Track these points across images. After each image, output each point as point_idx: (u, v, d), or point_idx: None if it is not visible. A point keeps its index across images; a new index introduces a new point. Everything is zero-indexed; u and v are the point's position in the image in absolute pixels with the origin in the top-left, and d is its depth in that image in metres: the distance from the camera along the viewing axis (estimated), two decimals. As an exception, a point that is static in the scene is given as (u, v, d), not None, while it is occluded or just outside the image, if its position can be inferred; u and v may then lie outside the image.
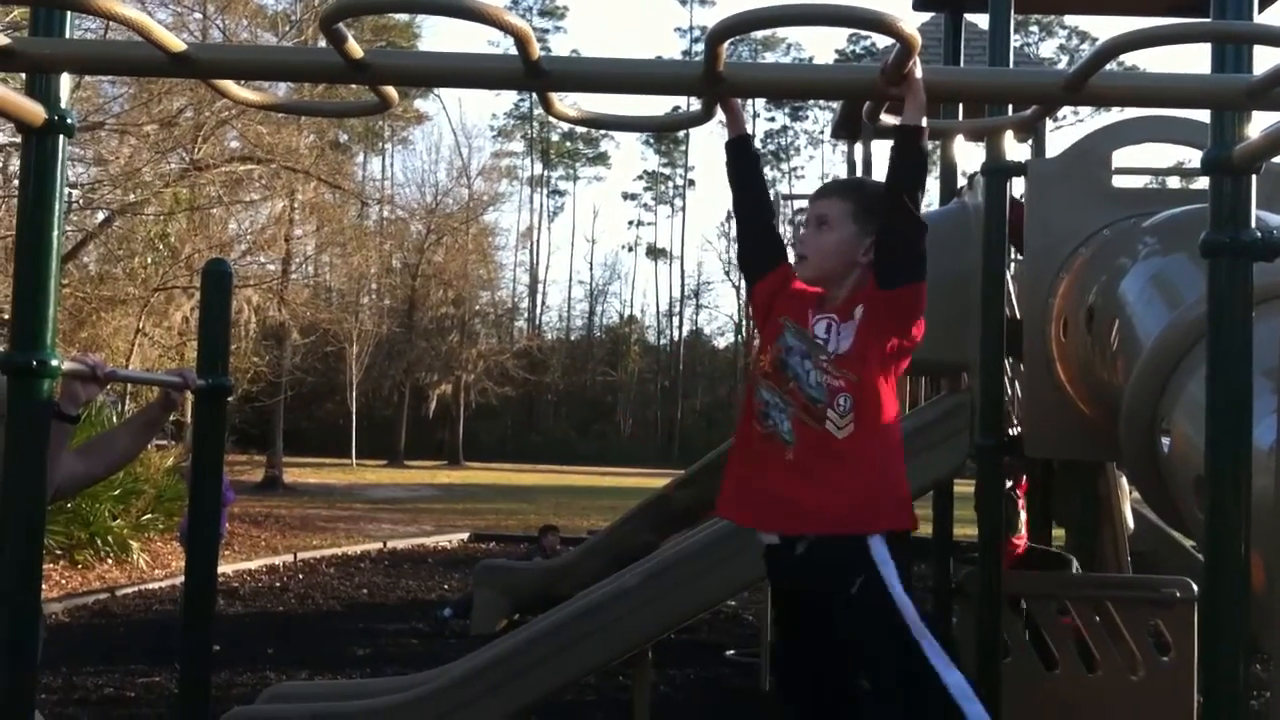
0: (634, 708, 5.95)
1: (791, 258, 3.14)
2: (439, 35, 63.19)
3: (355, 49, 2.17)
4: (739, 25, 2.15)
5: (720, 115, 2.81)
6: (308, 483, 31.22)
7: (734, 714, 8.14)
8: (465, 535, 19.01)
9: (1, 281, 17.36)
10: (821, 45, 63.94)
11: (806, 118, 65.81)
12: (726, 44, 2.21)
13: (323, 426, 46.62)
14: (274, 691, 5.86)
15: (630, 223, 69.66)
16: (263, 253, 25.78)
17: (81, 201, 19.12)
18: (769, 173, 66.08)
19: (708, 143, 67.64)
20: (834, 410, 2.82)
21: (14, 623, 2.56)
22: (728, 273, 62.28)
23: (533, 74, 2.25)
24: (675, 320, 66.48)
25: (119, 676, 8.41)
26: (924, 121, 2.64)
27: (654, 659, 6.42)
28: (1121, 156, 5.03)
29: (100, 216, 20.03)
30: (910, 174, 2.77)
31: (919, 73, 2.33)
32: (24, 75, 2.58)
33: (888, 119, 2.66)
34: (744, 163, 3.09)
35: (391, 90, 2.50)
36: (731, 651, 9.44)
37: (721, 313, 67.39)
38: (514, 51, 2.25)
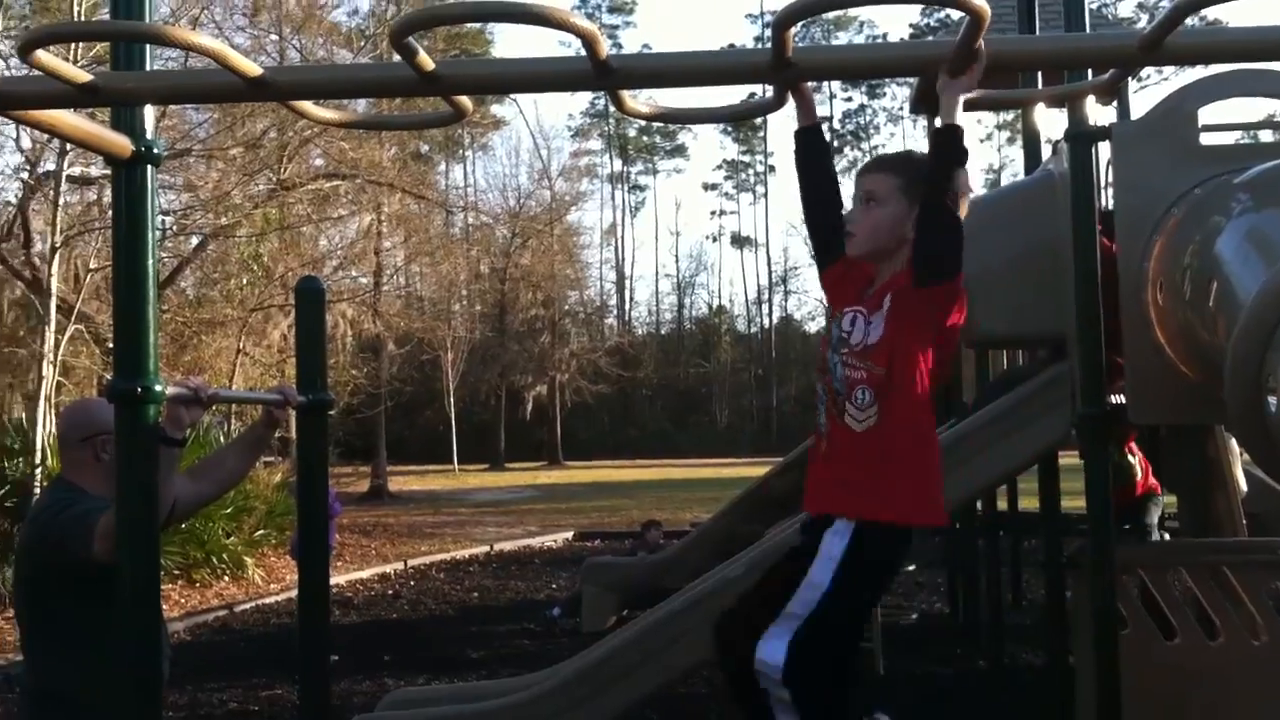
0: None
1: None
2: (512, 40, 63.66)
3: (426, 61, 2.19)
4: (805, 9, 2.13)
5: (793, 101, 2.78)
6: (412, 490, 31.64)
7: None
8: (570, 534, 19.12)
9: (104, 310, 17.85)
10: (896, 22, 63.22)
11: (884, 95, 65.16)
12: (796, 28, 2.20)
13: (424, 434, 47.18)
14: (393, 698, 5.95)
15: (713, 213, 69.53)
16: (354, 267, 26.18)
17: (175, 228, 19.57)
18: (850, 153, 65.60)
19: (786, 127, 67.09)
20: (852, 404, 2.81)
21: (137, 642, 2.63)
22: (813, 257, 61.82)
23: (601, 73, 2.26)
24: (765, 307, 66.24)
25: (242, 691, 8.58)
26: (959, 118, 2.60)
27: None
28: (1209, 113, 4.91)
29: (194, 241, 20.49)
30: (949, 175, 2.72)
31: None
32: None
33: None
34: (813, 152, 3.06)
35: (465, 99, 2.52)
36: (843, 636, 9.37)
37: (811, 297, 66.76)
38: (584, 52, 2.26)
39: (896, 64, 2.55)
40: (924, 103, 10.69)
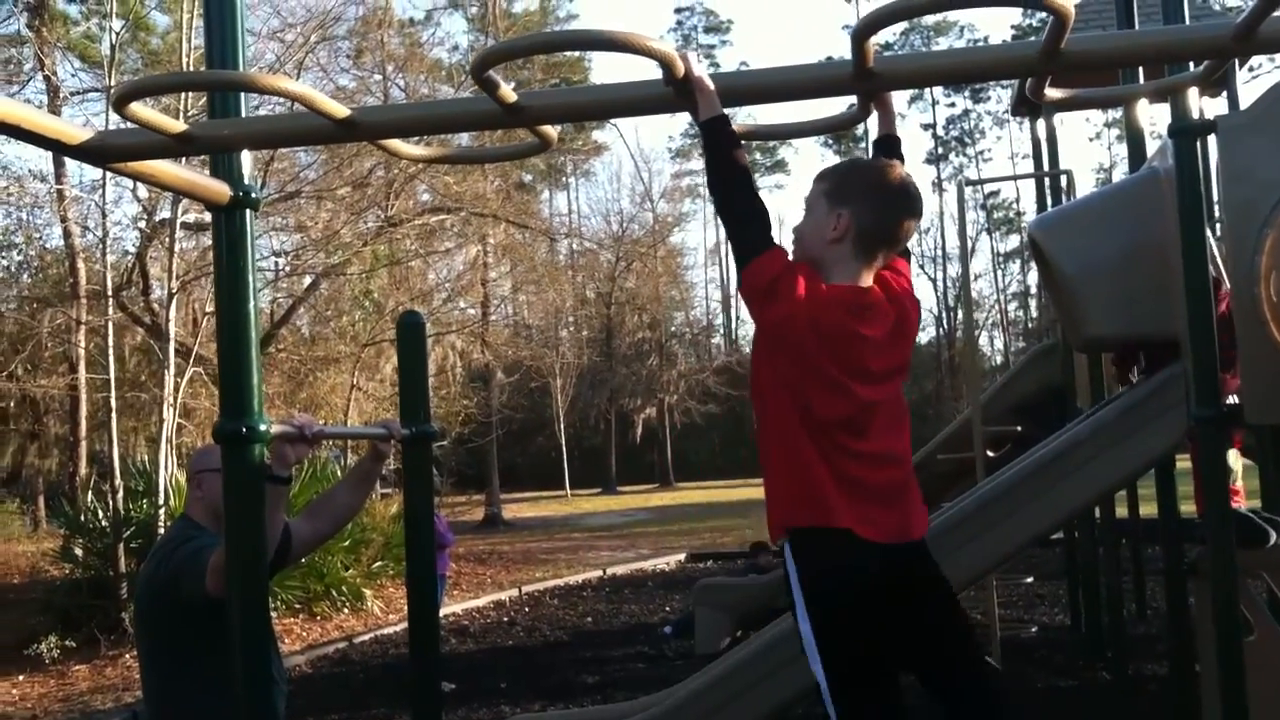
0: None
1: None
2: (610, 66, 64.11)
3: (509, 94, 2.22)
4: (883, 19, 2.12)
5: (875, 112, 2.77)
6: (526, 517, 31.88)
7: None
8: (682, 556, 19.09)
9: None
10: (997, 24, 62.33)
11: (988, 98, 64.29)
12: (879, 38, 2.18)
13: (535, 460, 47.55)
14: (509, 725, 6.00)
15: (816, 226, 69.01)
16: (462, 298, 26.54)
17: (289, 268, 20.04)
18: (954, 159, 64.82)
19: (887, 138, 66.19)
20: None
21: (249, 676, 2.68)
22: (921, 266, 61.16)
23: (682, 94, 2.27)
24: (872, 320, 65.48)
25: (362, 721, 8.71)
26: (717, 112, 2.51)
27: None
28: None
29: (307, 281, 20.95)
30: (708, 170, 2.71)
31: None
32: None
33: (1053, 93, 2.58)
34: None
35: (550, 129, 2.55)
36: (962, 652, 9.20)
37: (921, 306, 65.82)
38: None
39: (981, 69, 2.52)
40: (1025, 105, 10.54)
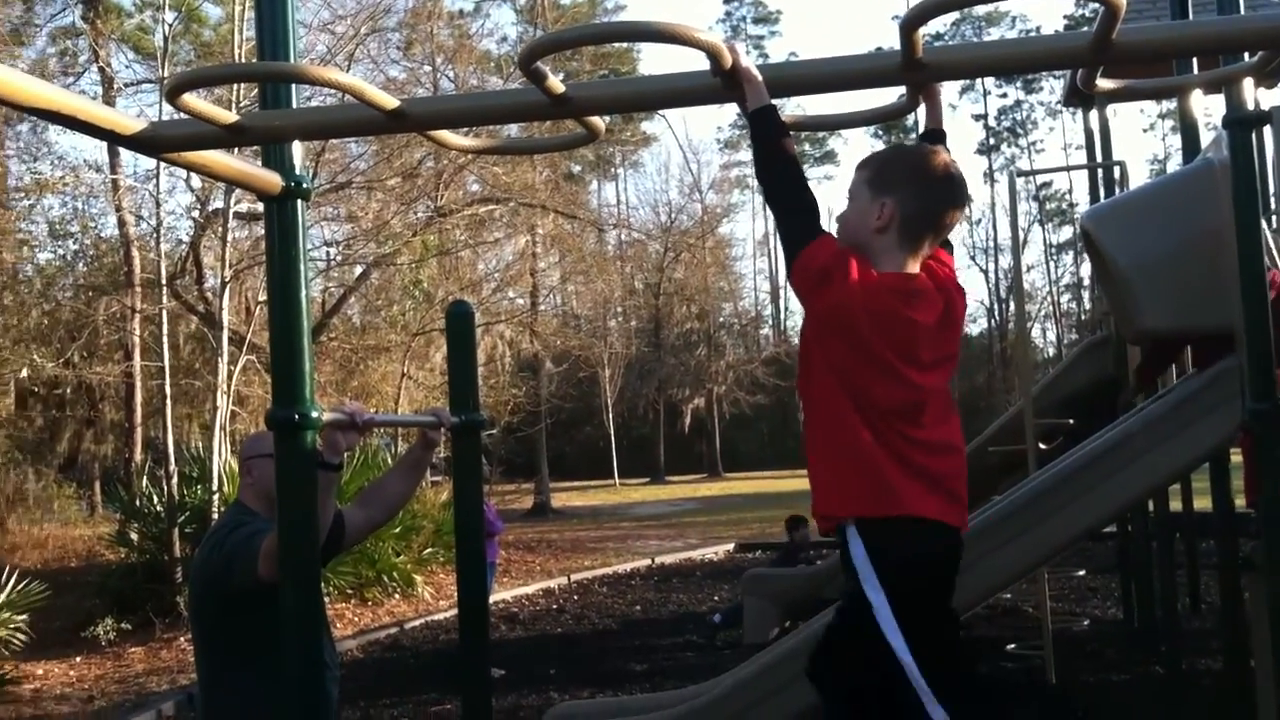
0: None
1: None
2: (659, 57, 64.04)
3: (556, 85, 2.22)
4: (931, 9, 2.11)
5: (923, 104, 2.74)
6: (574, 506, 32.00)
7: (1018, 710, 7.90)
8: (731, 546, 19.09)
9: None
10: (1049, 15, 61.63)
11: (1041, 89, 63.61)
12: (928, 29, 2.17)
13: (584, 450, 47.69)
14: (558, 711, 6.03)
15: (866, 216, 68.61)
16: (511, 288, 26.64)
17: (340, 257, 20.20)
18: (1007, 150, 64.23)
19: (939, 127, 65.58)
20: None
21: (300, 661, 2.71)
22: (973, 258, 60.70)
23: (730, 85, 2.27)
24: (923, 311, 65.05)
25: (413, 707, 8.78)
26: (765, 102, 2.48)
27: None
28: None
29: (358, 270, 21.11)
30: (756, 161, 2.67)
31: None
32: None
33: (1105, 84, 2.55)
34: None
35: (597, 120, 2.55)
36: (1013, 645, 9.16)
37: (971, 299, 65.24)
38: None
39: (1031, 60, 2.49)
40: (1077, 96, 10.44)
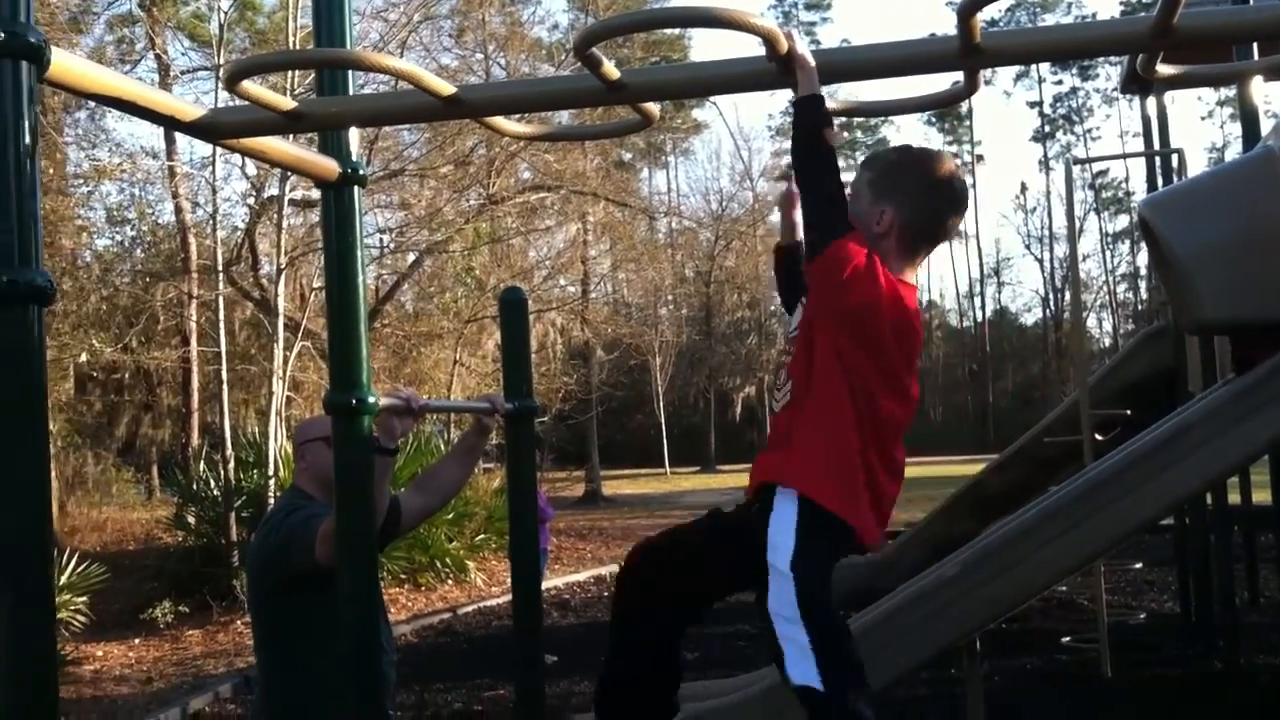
0: (968, 700, 5.79)
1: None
2: (710, 43, 63.84)
3: (611, 71, 2.21)
4: (992, -8, 2.08)
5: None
6: (625, 494, 32.06)
7: (1073, 704, 7.82)
8: (782, 535, 19.03)
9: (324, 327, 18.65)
10: (1106, 1, 60.65)
11: (1097, 75, 62.85)
12: (984, 14, 2.14)
13: (635, 438, 47.75)
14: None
15: (920, 206, 68.17)
16: (562, 276, 26.69)
17: (393, 245, 20.33)
18: (1062, 138, 63.55)
19: (993, 114, 65.20)
20: (779, 386, 2.82)
21: (358, 645, 2.73)
22: (1028, 246, 60.17)
23: (785, 71, 2.25)
24: (977, 301, 64.68)
25: (466, 692, 8.84)
26: (816, 91, 2.43)
27: (985, 649, 6.24)
28: None
29: (411, 257, 21.23)
30: (797, 146, 2.61)
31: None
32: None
33: (1164, 70, 2.51)
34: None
35: (652, 106, 2.54)
36: (1068, 638, 9.07)
37: (1026, 288, 64.87)
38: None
39: (1091, 45, 2.46)
40: (1135, 82, 10.29)
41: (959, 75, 2.48)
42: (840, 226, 2.58)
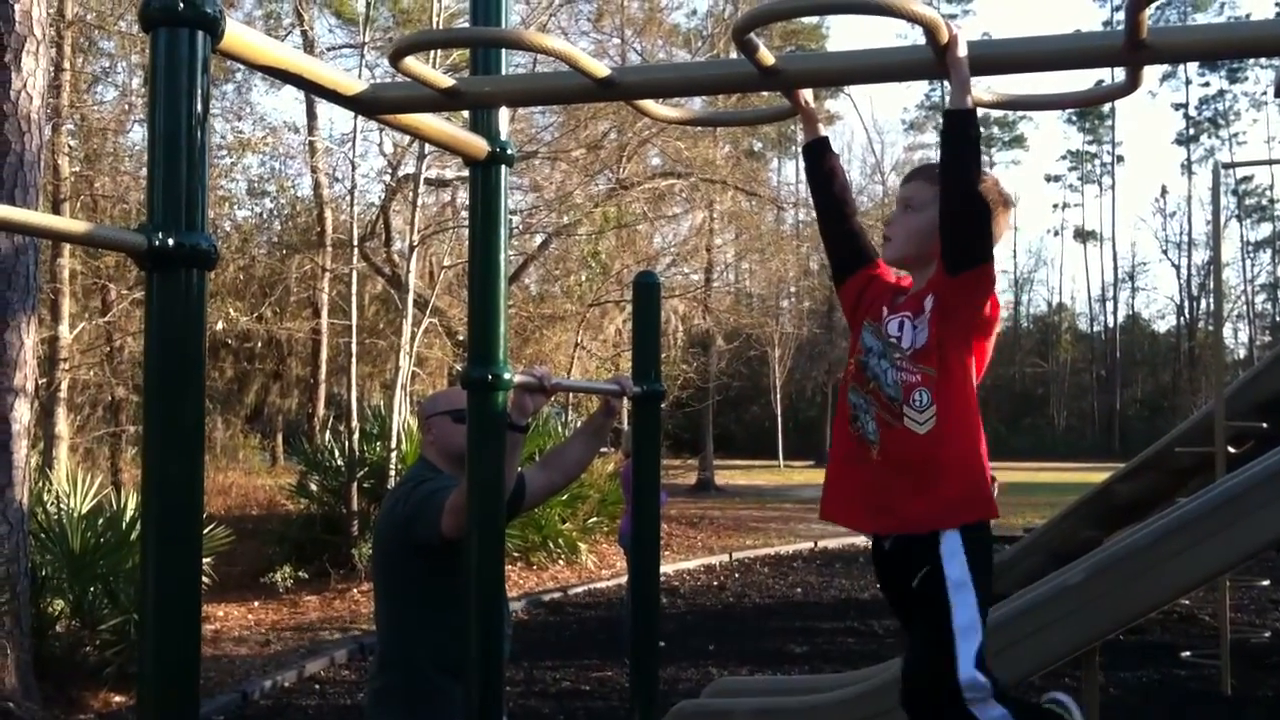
0: (1085, 709, 5.69)
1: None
2: (846, 35, 63.26)
3: (767, 57, 2.21)
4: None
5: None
6: (738, 484, 32.01)
7: (1190, 718, 7.64)
8: (896, 534, 18.85)
9: (455, 305, 18.94)
10: (1260, 2, 58.58)
11: (1246, 79, 60.82)
12: (1150, 10, 2.10)
13: (750, 429, 47.64)
14: (718, 686, 6.06)
15: (1055, 205, 67.06)
16: (686, 263, 26.68)
17: (521, 226, 20.53)
18: (1206, 141, 61.68)
19: (1137, 115, 63.45)
20: (910, 406, 2.75)
21: (481, 618, 2.78)
22: (1165, 251, 58.55)
23: (943, 62, 2.23)
24: (1109, 305, 63.13)
25: (574, 670, 8.93)
26: (969, 103, 2.45)
27: (1103, 660, 6.13)
28: None
29: (538, 240, 21.43)
30: (956, 159, 2.59)
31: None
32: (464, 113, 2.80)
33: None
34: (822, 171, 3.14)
35: (807, 93, 2.54)
36: (1188, 653, 8.85)
37: (1161, 294, 63.10)
38: (922, 42, 2.24)
39: (1259, 43, 2.38)
40: (1291, 86, 9.94)
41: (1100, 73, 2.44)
42: (990, 247, 2.70)
